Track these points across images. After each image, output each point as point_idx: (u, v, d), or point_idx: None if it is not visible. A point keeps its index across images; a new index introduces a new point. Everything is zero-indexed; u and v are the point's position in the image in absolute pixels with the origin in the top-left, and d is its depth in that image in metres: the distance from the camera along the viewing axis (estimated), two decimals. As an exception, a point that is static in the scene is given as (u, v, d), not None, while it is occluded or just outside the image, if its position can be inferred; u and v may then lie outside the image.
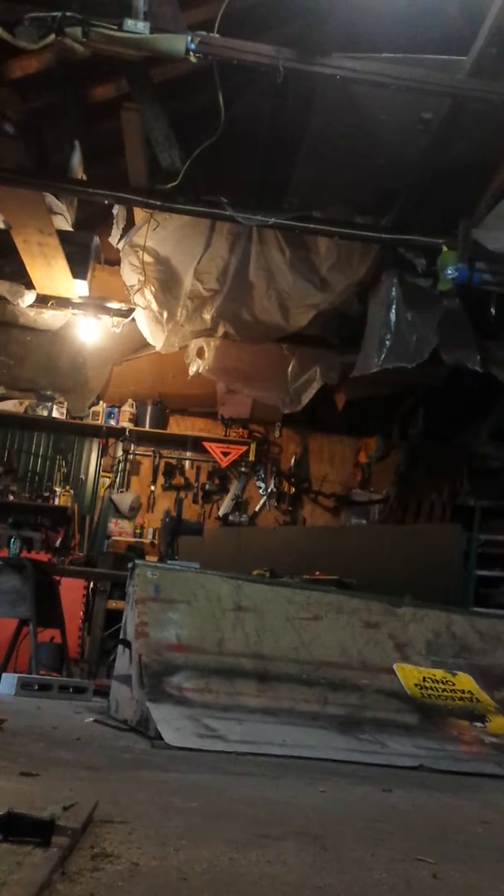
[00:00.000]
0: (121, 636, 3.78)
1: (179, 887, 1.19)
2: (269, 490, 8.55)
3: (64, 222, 6.09)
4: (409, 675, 3.60)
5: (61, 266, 6.33)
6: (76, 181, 5.52)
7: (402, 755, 2.98)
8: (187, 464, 8.53)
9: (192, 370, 7.42)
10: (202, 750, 2.72)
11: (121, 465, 8.35)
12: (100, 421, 8.24)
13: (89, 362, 8.10)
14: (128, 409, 8.32)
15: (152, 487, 8.41)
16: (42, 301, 7.10)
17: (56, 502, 7.95)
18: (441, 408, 7.68)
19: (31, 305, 7.12)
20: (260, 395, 7.91)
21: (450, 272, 4.86)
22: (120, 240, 6.34)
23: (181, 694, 3.15)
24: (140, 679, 3.17)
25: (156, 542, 7.81)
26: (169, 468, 8.46)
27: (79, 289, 6.85)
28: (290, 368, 7.45)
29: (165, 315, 6.64)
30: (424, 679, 3.59)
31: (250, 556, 6.18)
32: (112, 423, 8.25)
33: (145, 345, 7.35)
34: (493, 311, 5.18)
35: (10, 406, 8.11)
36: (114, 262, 6.85)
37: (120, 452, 8.37)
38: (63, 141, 5.52)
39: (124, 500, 8.22)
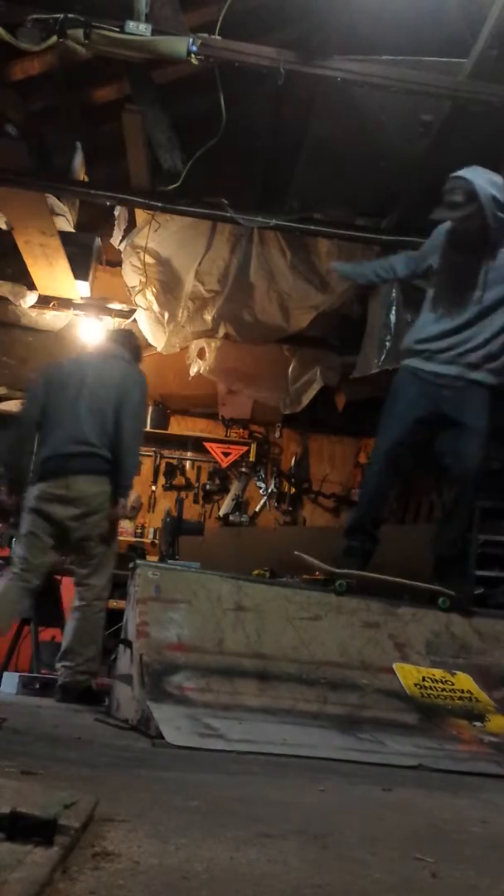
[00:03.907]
0: (122, 636, 3.78)
1: (180, 886, 1.20)
2: (270, 490, 8.56)
3: (66, 223, 6.11)
4: (408, 674, 3.60)
5: (63, 267, 6.35)
6: (78, 182, 5.54)
7: (401, 754, 2.98)
8: (188, 464, 8.54)
9: (193, 371, 7.44)
10: (203, 749, 2.73)
11: (122, 466, 8.35)
12: (101, 421, 8.24)
13: (91, 363, 8.11)
14: (129, 409, 8.32)
15: (153, 487, 8.42)
16: (44, 302, 7.12)
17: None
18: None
19: (32, 306, 7.14)
20: (260, 395, 7.92)
21: (450, 274, 4.86)
22: (121, 241, 6.36)
23: (182, 693, 3.15)
24: (141, 678, 3.18)
25: (157, 541, 7.82)
26: (170, 468, 8.47)
27: (80, 290, 6.87)
28: (290, 369, 7.46)
29: (167, 316, 6.66)
30: (424, 679, 3.59)
31: (250, 556, 6.17)
32: (113, 423, 8.25)
33: (146, 346, 7.36)
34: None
35: (11, 406, 8.12)
36: (115, 263, 6.86)
37: (121, 452, 8.36)
38: (65, 142, 5.54)
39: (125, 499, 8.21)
